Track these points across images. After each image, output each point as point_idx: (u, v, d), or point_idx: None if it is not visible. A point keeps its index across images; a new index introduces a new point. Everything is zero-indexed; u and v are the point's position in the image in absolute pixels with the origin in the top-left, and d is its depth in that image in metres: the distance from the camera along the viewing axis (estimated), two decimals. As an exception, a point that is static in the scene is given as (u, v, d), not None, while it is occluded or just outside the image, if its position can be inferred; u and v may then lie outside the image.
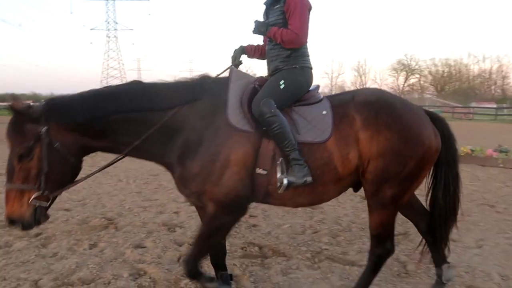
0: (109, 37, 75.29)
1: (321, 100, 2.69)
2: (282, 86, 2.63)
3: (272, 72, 2.77)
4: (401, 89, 57.55)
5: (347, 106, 2.60)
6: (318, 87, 2.83)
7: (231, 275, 3.03)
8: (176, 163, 2.52)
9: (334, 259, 3.65)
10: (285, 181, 2.43)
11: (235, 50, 2.95)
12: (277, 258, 3.63)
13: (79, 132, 2.40)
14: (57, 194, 2.44)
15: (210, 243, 2.66)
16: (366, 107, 2.57)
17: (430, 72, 57.80)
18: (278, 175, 2.45)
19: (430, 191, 2.87)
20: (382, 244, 2.69)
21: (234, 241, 4.01)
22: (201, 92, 2.58)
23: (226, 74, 2.79)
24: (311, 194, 2.59)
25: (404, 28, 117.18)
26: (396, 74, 60.04)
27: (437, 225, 2.84)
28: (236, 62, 2.89)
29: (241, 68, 2.94)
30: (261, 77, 2.82)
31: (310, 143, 2.50)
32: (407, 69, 58.47)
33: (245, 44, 3.01)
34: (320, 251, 3.80)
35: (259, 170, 2.48)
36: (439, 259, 2.91)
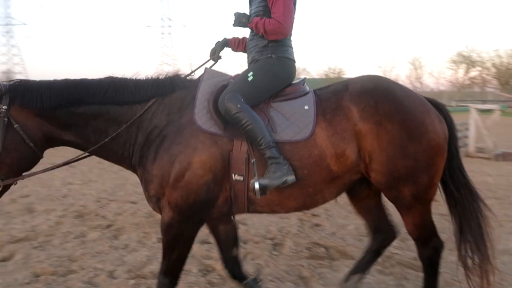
0: (163, 33, 77.68)
1: (305, 93, 2.40)
2: (250, 79, 2.36)
3: (249, 64, 2.53)
4: (460, 82, 54.35)
5: (341, 97, 2.33)
6: (304, 79, 2.54)
7: (255, 278, 2.87)
8: (138, 164, 2.36)
9: (406, 264, 3.48)
10: (256, 185, 2.15)
11: (217, 42, 2.71)
12: (345, 261, 3.53)
13: (43, 118, 2.25)
14: (9, 182, 2.22)
15: (176, 256, 2.37)
16: (364, 96, 2.29)
17: (493, 65, 54.00)
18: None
19: (442, 189, 2.53)
20: (426, 244, 2.48)
21: (298, 241, 3.96)
22: (170, 88, 2.42)
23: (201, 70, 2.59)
24: (301, 197, 2.33)
25: (465, 18, 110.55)
26: (455, 67, 56.71)
27: (466, 230, 2.46)
28: (215, 56, 2.67)
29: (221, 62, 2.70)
30: (238, 74, 2.54)
31: (288, 142, 2.25)
32: (468, 61, 55.00)
33: (229, 37, 2.74)
34: (390, 255, 3.63)
35: (235, 176, 2.25)
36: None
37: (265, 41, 2.44)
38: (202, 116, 2.28)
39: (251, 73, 2.39)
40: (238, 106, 2.20)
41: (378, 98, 2.28)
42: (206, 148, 2.24)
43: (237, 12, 2.53)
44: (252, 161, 2.21)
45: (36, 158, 2.30)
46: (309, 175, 2.25)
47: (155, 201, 2.34)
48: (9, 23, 68.67)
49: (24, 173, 2.32)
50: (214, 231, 2.77)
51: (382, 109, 2.24)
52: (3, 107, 2.16)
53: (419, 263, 3.37)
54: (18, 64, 68.08)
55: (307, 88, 2.47)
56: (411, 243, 3.82)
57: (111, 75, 2.47)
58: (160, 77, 2.47)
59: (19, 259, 3.55)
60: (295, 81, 2.51)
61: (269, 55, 2.44)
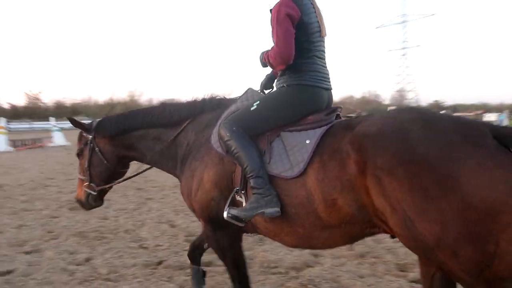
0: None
1: (325, 125, 2.17)
2: (253, 108, 2.34)
3: None
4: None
5: (344, 137, 1.98)
6: (335, 108, 2.33)
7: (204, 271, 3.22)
8: (180, 175, 2.71)
9: None
10: (225, 214, 2.20)
11: (266, 75, 2.70)
12: None
13: (114, 143, 2.99)
14: (101, 187, 3.06)
15: (230, 263, 2.55)
16: (365, 141, 1.85)
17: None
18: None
19: None
20: None
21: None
22: (201, 109, 2.72)
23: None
24: (292, 235, 2.18)
25: None
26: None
27: None
28: (261, 88, 2.67)
29: None
30: None
31: (278, 176, 2.12)
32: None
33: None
34: None
35: (237, 197, 2.28)
36: None
37: (281, 72, 2.38)
38: (215, 136, 2.41)
39: (257, 102, 2.37)
40: (228, 134, 2.24)
41: (378, 145, 1.80)
42: (214, 166, 2.38)
43: (262, 51, 2.43)
44: (236, 188, 2.28)
45: (111, 172, 3.06)
46: (297, 215, 2.08)
47: (192, 211, 2.63)
48: (405, 47, 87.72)
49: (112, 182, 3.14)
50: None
51: (380, 159, 1.75)
52: (90, 137, 3.03)
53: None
54: (410, 83, 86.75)
55: (332, 119, 2.24)
56: None
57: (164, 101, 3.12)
58: (196, 99, 2.81)
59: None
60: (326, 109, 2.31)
61: (281, 85, 2.38)
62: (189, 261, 3.66)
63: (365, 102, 79.41)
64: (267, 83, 2.67)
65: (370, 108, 68.09)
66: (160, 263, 4.00)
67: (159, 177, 9.45)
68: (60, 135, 21.19)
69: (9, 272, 3.78)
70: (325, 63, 2.44)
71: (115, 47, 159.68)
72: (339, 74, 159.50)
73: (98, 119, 3.16)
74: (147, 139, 2.88)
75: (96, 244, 4.60)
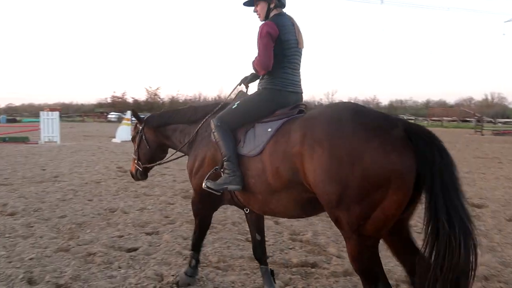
0: None
1: (287, 117, 2.75)
2: (234, 107, 3.03)
3: None
4: None
5: (295, 122, 2.62)
6: (298, 105, 2.90)
7: (272, 271, 3.41)
8: None
9: None
10: (203, 184, 2.95)
11: (251, 73, 3.30)
12: None
13: (155, 133, 3.80)
14: (146, 165, 3.89)
15: (202, 225, 3.46)
16: (308, 122, 2.48)
17: None
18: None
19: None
20: (367, 284, 2.28)
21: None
22: (213, 108, 3.36)
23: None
24: (256, 202, 2.85)
25: None
26: None
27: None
28: (245, 82, 3.33)
29: None
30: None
31: (246, 155, 2.78)
32: None
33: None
34: None
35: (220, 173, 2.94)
36: None
37: (262, 76, 3.04)
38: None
39: (238, 102, 3.05)
40: (214, 127, 2.94)
41: (317, 124, 2.39)
42: (211, 152, 3.07)
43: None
44: (215, 168, 2.98)
45: (153, 155, 3.87)
46: (256, 184, 2.73)
47: (191, 181, 3.36)
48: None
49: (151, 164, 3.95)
50: (247, 219, 3.59)
51: (316, 134, 2.33)
52: (140, 127, 3.87)
53: None
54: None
55: (294, 113, 2.82)
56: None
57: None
58: (208, 103, 3.62)
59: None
60: (293, 107, 2.87)
61: (259, 87, 3.05)
62: (294, 260, 3.71)
63: (486, 105, 70.71)
64: (252, 78, 3.31)
65: (493, 111, 60.66)
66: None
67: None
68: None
69: (134, 249, 4.21)
70: (296, 72, 3.03)
71: (226, 45, 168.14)
72: (455, 74, 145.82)
73: (149, 114, 4.02)
74: (177, 132, 3.64)
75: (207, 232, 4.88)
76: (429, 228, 2.09)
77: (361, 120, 2.26)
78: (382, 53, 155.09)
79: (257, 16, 3.06)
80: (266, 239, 4.56)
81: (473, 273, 2.03)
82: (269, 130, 2.72)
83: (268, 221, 5.38)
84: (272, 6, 2.97)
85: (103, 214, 5.71)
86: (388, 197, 2.09)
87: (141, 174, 3.94)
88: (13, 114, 58.86)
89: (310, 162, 2.31)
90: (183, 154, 3.65)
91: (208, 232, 4.79)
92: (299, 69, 3.05)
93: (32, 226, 5.04)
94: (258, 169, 2.69)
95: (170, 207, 6.17)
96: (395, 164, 2.08)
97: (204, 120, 3.34)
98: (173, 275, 3.53)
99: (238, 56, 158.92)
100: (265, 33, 2.83)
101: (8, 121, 41.81)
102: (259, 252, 3.42)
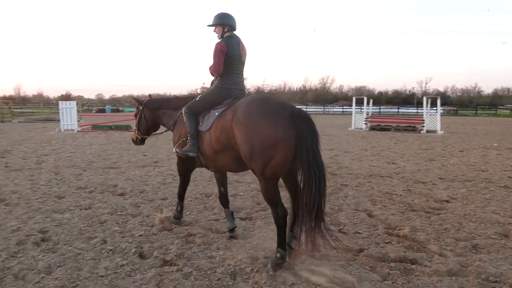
0: None
1: (228, 105, 3.86)
2: (197, 99, 4.24)
3: None
4: None
5: (230, 108, 3.76)
6: (238, 97, 4.03)
7: (232, 212, 4.61)
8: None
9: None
10: (173, 149, 4.37)
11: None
12: None
13: (151, 114, 5.06)
14: (144, 135, 5.20)
15: (181, 180, 4.83)
16: (235, 108, 3.65)
17: None
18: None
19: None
20: (273, 209, 3.53)
21: None
22: (192, 98, 4.47)
23: None
24: (209, 162, 4.13)
25: None
26: None
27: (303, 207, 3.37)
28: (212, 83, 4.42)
29: None
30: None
31: (202, 131, 4.02)
32: None
33: None
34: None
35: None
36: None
37: (216, 77, 4.25)
38: None
39: (200, 96, 4.28)
40: (183, 113, 4.22)
41: (239, 109, 3.56)
42: (184, 129, 4.28)
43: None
44: (183, 139, 4.31)
45: (148, 130, 5.18)
46: (207, 149, 4.00)
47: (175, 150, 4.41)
48: None
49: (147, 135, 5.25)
50: (215, 177, 4.76)
51: (240, 114, 3.51)
52: (141, 108, 5.11)
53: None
54: None
55: (235, 102, 3.83)
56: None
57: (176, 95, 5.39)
58: (187, 95, 5.02)
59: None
60: (233, 98, 4.00)
61: (214, 85, 4.23)
62: (391, 255, 3.63)
63: None
64: (213, 80, 4.35)
65: None
66: (361, 251, 3.98)
67: (353, 164, 9.47)
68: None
69: (231, 230, 4.40)
70: (240, 75, 4.22)
71: (313, 34, 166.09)
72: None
73: (147, 99, 5.14)
74: (166, 115, 4.88)
75: (298, 221, 4.91)
76: (302, 171, 3.31)
77: (263, 107, 3.45)
78: (485, 40, 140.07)
79: (216, 35, 4.29)
80: (359, 231, 4.53)
81: (324, 198, 3.33)
82: (216, 113, 3.92)
83: (361, 214, 5.25)
84: (226, 30, 4.24)
85: (200, 198, 6.06)
86: (278, 154, 3.30)
87: (140, 141, 5.26)
88: (116, 104, 64.70)
89: (236, 133, 3.51)
90: (171, 131, 4.82)
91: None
92: (242, 73, 4.26)
93: (139, 206, 5.54)
94: (208, 140, 3.95)
95: (260, 194, 6.31)
96: (281, 134, 3.28)
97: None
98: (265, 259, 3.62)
99: (327, 46, 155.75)
100: (218, 50, 4.07)
101: (112, 110, 46.16)
102: (223, 201, 4.66)
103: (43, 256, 3.75)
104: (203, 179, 7.45)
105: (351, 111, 23.86)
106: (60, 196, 6.09)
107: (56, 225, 4.66)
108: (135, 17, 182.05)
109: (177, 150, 4.25)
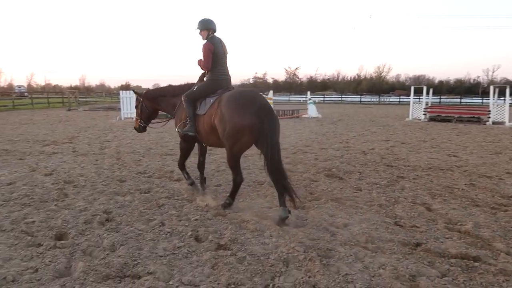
0: None
1: (219, 94, 4.92)
2: (194, 89, 5.18)
3: None
4: None
5: (219, 98, 4.86)
6: (225, 89, 5.05)
7: (205, 178, 5.96)
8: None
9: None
10: (176, 129, 5.37)
11: (202, 72, 5.51)
12: None
13: (151, 102, 5.92)
14: (145, 123, 6.06)
15: (184, 154, 5.68)
16: (220, 98, 4.80)
17: None
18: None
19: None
20: (234, 174, 4.79)
21: None
22: (191, 86, 5.48)
23: None
24: (203, 139, 5.17)
25: None
26: None
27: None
28: (202, 77, 5.55)
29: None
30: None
31: (199, 115, 5.01)
32: None
33: None
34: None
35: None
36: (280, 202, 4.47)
37: (207, 72, 5.23)
38: None
39: (196, 87, 5.19)
40: (183, 100, 5.16)
41: (223, 100, 4.69)
42: (184, 113, 5.26)
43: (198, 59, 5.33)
44: (183, 121, 5.27)
45: (149, 117, 6.06)
46: (201, 130, 5.01)
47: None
48: None
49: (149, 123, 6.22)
50: (198, 148, 5.84)
51: (220, 106, 4.66)
52: (141, 99, 5.97)
53: None
54: None
55: (222, 92, 4.96)
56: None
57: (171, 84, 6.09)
58: (185, 84, 5.69)
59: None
60: (224, 89, 5.09)
61: (206, 78, 5.20)
62: (451, 251, 3.49)
63: None
64: (204, 74, 5.39)
65: None
66: (418, 245, 3.83)
67: (410, 156, 9.09)
68: (313, 108, 23.23)
69: (284, 218, 4.42)
70: (225, 67, 5.18)
71: (369, 22, 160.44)
72: None
73: (145, 90, 6.13)
74: (166, 102, 5.76)
75: (352, 212, 4.83)
76: (264, 149, 4.40)
77: (238, 101, 4.49)
78: None
79: (201, 37, 5.18)
80: (417, 225, 4.37)
81: (282, 167, 4.43)
82: (211, 101, 4.93)
83: (419, 207, 5.05)
84: (210, 33, 5.17)
85: (252, 186, 6.13)
86: (244, 137, 4.43)
87: (142, 128, 6.07)
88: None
89: (217, 117, 4.66)
90: (172, 117, 5.70)
91: (354, 211, 4.83)
92: (226, 65, 5.21)
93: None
94: (202, 122, 4.97)
95: (314, 184, 6.27)
96: (247, 123, 4.35)
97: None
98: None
99: (384, 33, 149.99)
100: (207, 49, 5.01)
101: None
102: (200, 167, 5.88)
103: (107, 234, 4.01)
104: (255, 168, 7.53)
105: (409, 101, 22.88)
106: (122, 180, 6.44)
107: (118, 207, 4.95)
108: (195, 12, 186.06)
109: (179, 130, 5.23)
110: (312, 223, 4.38)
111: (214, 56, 5.01)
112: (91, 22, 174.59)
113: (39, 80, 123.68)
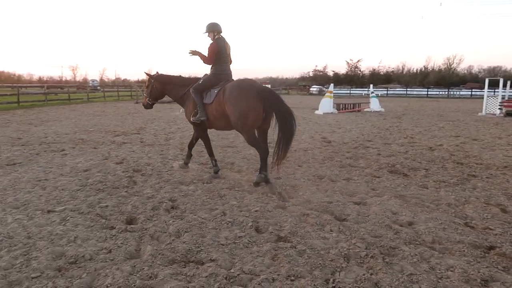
0: None
1: (222, 85, 5.81)
2: (200, 82, 6.06)
3: None
4: None
5: (223, 88, 5.75)
6: (226, 82, 5.90)
7: (191, 154, 6.96)
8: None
9: None
10: (191, 119, 6.16)
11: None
12: None
13: (161, 86, 6.71)
14: (153, 101, 6.95)
15: (205, 142, 6.51)
16: (225, 88, 5.69)
17: None
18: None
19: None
20: (257, 149, 5.67)
21: None
22: (194, 81, 6.37)
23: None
24: (211, 125, 6.09)
25: None
26: None
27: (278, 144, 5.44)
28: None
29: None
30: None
31: (207, 103, 5.90)
32: None
33: None
34: None
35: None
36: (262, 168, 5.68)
37: (210, 67, 6.14)
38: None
39: (202, 80, 6.08)
40: (192, 92, 6.01)
41: (227, 89, 5.61)
42: (193, 104, 6.14)
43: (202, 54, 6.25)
44: (194, 111, 6.12)
45: (157, 97, 6.92)
46: (211, 115, 5.90)
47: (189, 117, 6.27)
48: None
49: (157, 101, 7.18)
50: (195, 133, 6.70)
51: (228, 95, 5.56)
52: (152, 80, 6.78)
53: None
54: None
55: (224, 84, 5.85)
56: None
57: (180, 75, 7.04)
58: (193, 77, 6.88)
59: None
60: (225, 81, 5.95)
61: (210, 73, 6.11)
62: None
63: None
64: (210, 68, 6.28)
65: None
66: (491, 248, 3.58)
67: (483, 153, 8.49)
68: (376, 101, 22.44)
69: (345, 217, 4.35)
70: (227, 64, 6.13)
71: (438, 11, 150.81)
72: None
73: (157, 74, 6.86)
74: (175, 89, 6.55)
75: (417, 210, 4.62)
76: (276, 121, 5.43)
77: (239, 89, 5.47)
78: None
79: (209, 38, 6.03)
80: (491, 227, 4.08)
81: (291, 138, 5.45)
82: (215, 91, 5.79)
83: (493, 208, 4.71)
84: (215, 34, 6.03)
85: (312, 180, 6.09)
86: (251, 116, 5.39)
87: (149, 106, 6.96)
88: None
89: (227, 106, 5.51)
90: (176, 102, 6.67)
91: (419, 210, 4.62)
92: (228, 63, 6.11)
93: (254, 184, 5.80)
94: (211, 109, 5.82)
95: (376, 180, 6.09)
96: (251, 105, 5.36)
97: (189, 87, 6.22)
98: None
99: (454, 22, 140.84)
100: (212, 48, 5.92)
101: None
102: (190, 147, 6.77)
103: (173, 221, 4.21)
104: (316, 162, 7.46)
105: (482, 95, 21.29)
106: (186, 170, 6.71)
107: (183, 196, 5.17)
108: (233, 8, 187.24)
109: (192, 119, 6.04)
110: (374, 220, 4.26)
111: (218, 54, 5.97)
112: (156, 21, 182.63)
113: (110, 75, 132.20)
